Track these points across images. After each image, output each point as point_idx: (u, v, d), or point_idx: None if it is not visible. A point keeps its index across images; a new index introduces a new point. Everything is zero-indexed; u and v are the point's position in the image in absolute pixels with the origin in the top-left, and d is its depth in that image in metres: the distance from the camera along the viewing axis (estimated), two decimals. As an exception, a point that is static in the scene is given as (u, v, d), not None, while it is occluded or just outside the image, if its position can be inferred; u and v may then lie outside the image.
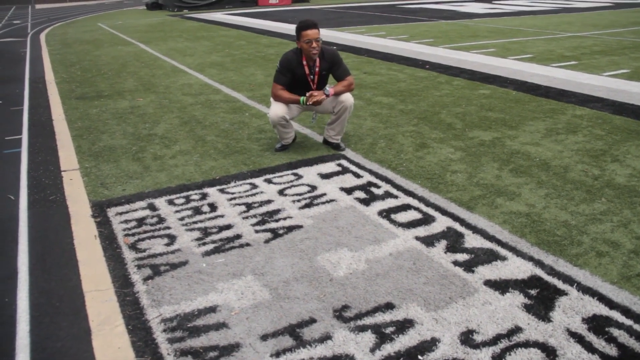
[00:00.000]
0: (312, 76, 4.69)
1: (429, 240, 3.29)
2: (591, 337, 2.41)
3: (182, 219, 3.66)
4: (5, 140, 5.59)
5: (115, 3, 38.17)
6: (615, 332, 2.45)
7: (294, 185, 4.18)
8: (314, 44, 4.50)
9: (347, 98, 4.74)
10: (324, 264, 3.07)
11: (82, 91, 7.87)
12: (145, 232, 3.50)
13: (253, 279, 2.95)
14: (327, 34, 13.87)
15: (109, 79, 8.82)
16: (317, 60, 4.66)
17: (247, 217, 3.66)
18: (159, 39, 14.19)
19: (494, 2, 26.76)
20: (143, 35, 15.36)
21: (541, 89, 7.24)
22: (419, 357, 2.33)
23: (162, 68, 9.71)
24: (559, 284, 2.82)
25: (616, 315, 2.57)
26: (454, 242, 3.27)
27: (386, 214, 3.67)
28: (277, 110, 4.67)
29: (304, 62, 4.65)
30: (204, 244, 3.32)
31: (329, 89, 4.66)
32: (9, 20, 24.74)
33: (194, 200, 3.96)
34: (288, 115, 4.73)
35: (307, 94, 4.62)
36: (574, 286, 2.80)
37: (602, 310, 2.61)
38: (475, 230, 3.41)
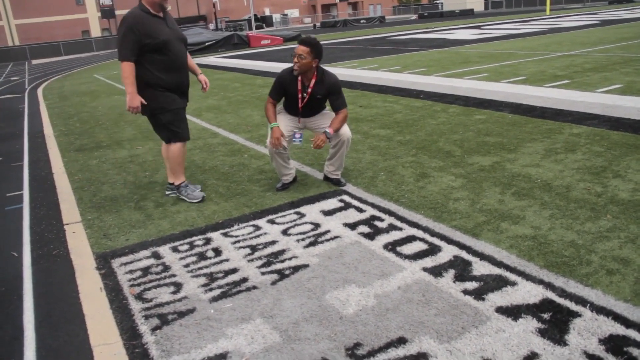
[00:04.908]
0: (303, 94, 4.68)
1: (436, 271, 3.26)
2: (610, 359, 2.37)
3: (187, 265, 3.64)
4: (7, 197, 5.60)
5: (109, 53, 38.74)
6: (635, 351, 2.40)
7: (297, 224, 4.16)
8: (295, 59, 4.54)
9: (345, 132, 4.74)
10: (333, 302, 3.04)
11: (81, 143, 7.92)
12: (150, 281, 3.47)
13: (262, 322, 2.91)
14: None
15: (107, 129, 8.89)
16: (312, 81, 4.64)
17: (252, 260, 3.63)
18: (155, 86, 14.29)
19: (482, 27, 27.17)
20: (139, 83, 15.50)
21: (537, 110, 7.28)
22: (436, 391, 2.28)
23: (160, 115, 9.76)
24: (572, 306, 2.78)
25: (633, 334, 2.52)
26: (462, 270, 3.24)
27: (392, 247, 3.64)
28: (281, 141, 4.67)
29: (299, 79, 4.68)
30: (211, 289, 3.29)
31: (329, 130, 4.62)
32: (7, 77, 25.08)
33: (198, 245, 3.94)
34: (286, 143, 4.74)
35: (313, 142, 4.61)
36: (587, 307, 2.76)
37: (618, 329, 2.57)
38: (482, 257, 3.39)
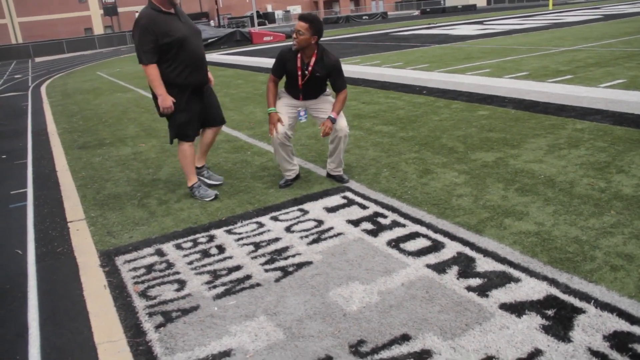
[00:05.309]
0: (303, 72, 4.64)
1: (440, 267, 3.26)
2: (615, 355, 2.36)
3: (190, 262, 3.64)
4: (11, 195, 5.61)
5: (112, 51, 38.76)
6: None
7: (301, 221, 4.16)
8: (294, 35, 4.54)
9: (342, 128, 4.70)
10: (336, 299, 3.04)
11: (84, 140, 7.93)
12: (154, 278, 3.48)
13: (266, 319, 2.91)
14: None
15: (110, 126, 8.89)
16: (313, 59, 4.61)
17: (255, 257, 3.64)
18: (158, 83, 14.28)
19: (485, 23, 27.10)
20: (141, 81, 15.52)
21: (540, 106, 7.26)
22: (440, 388, 2.28)
23: (162, 112, 9.77)
24: (576, 302, 2.78)
25: (638, 330, 2.52)
26: (465, 267, 3.24)
27: (395, 243, 3.64)
28: (279, 128, 4.67)
29: (299, 55, 4.65)
30: (215, 287, 3.30)
31: (332, 114, 4.61)
32: (10, 75, 25.10)
33: (201, 243, 3.94)
34: (290, 131, 4.73)
35: (321, 128, 4.61)
36: (591, 303, 2.76)
37: (623, 326, 2.56)
38: (486, 253, 3.38)
